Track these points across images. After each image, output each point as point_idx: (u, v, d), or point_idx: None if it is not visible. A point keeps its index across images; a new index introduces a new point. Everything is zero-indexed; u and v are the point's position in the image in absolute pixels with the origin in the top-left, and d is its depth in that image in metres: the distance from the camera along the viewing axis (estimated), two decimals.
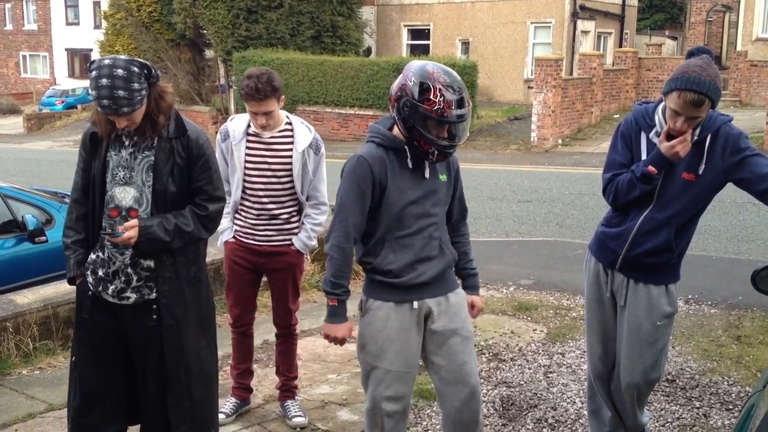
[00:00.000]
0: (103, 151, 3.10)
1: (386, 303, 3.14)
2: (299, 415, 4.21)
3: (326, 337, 3.17)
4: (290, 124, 4.03)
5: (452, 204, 3.29)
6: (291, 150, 3.96)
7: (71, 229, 3.21)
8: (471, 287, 3.36)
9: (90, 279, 3.16)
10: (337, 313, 3.10)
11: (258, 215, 4.01)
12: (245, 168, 3.97)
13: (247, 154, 3.97)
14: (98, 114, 3.01)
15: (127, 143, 3.08)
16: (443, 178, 3.19)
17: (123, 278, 3.10)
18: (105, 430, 3.23)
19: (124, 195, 3.07)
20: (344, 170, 3.14)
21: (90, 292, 3.16)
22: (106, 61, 2.91)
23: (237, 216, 4.10)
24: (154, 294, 3.12)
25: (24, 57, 43.96)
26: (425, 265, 3.13)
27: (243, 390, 4.35)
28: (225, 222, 4.07)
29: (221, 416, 4.17)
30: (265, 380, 4.78)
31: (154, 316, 3.12)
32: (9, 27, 43.84)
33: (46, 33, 42.30)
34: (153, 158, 3.07)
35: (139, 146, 3.08)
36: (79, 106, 32.86)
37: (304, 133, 4.02)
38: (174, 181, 3.09)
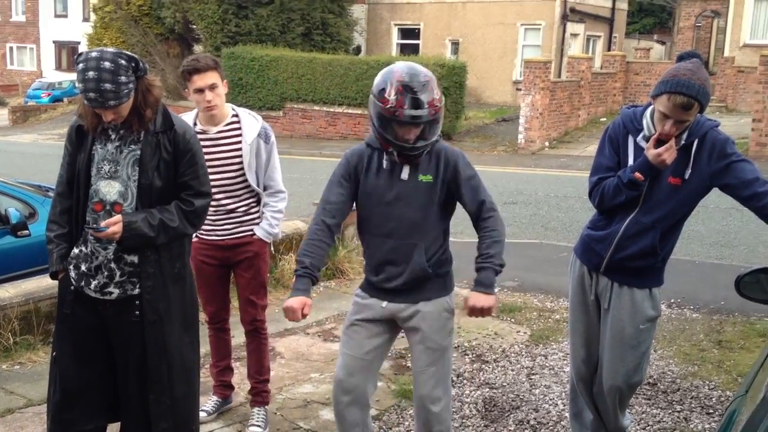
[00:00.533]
0: (88, 144, 3.07)
1: (363, 293, 3.26)
2: (257, 425, 4.08)
3: (285, 311, 3.08)
4: (236, 116, 3.98)
5: (464, 202, 3.17)
6: (240, 143, 3.92)
7: (55, 223, 3.17)
8: (476, 281, 3.16)
9: (72, 273, 3.13)
10: (295, 287, 3.08)
11: (216, 211, 3.96)
12: None
13: None
14: (84, 107, 2.99)
15: (113, 137, 3.05)
16: (425, 178, 3.09)
17: (106, 273, 3.07)
18: (85, 426, 3.20)
19: (108, 189, 3.05)
20: None
21: (72, 287, 3.13)
22: (93, 54, 2.88)
23: None
24: (137, 289, 3.09)
25: (11, 48, 43.61)
26: (392, 270, 3.14)
27: (224, 388, 4.32)
28: None
29: (202, 414, 4.14)
30: (245, 378, 4.75)
31: (137, 312, 3.10)
32: None
33: (34, 25, 41.98)
34: (139, 152, 3.04)
35: (126, 140, 3.05)
36: (65, 99, 32.62)
37: (251, 123, 3.98)
38: (160, 175, 3.07)
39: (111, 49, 2.94)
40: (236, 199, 3.99)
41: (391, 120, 2.94)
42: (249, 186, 3.98)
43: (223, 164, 3.91)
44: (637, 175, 3.23)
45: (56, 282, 3.23)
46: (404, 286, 3.14)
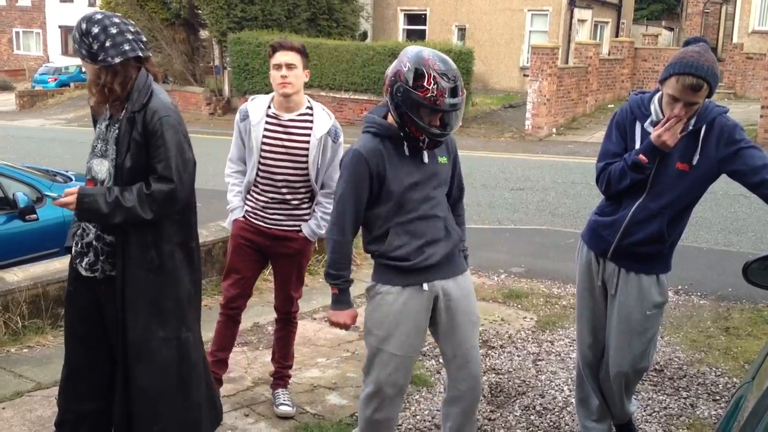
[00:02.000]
0: (99, 123, 3.14)
1: (394, 287, 3.15)
2: (287, 404, 4.18)
3: (331, 323, 3.25)
4: (311, 108, 3.99)
5: (451, 186, 3.29)
6: (309, 135, 3.91)
7: None
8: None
9: (73, 251, 3.18)
10: (340, 300, 3.20)
11: (269, 198, 3.97)
12: (262, 149, 3.92)
13: (264, 136, 3.92)
14: (93, 83, 3.00)
15: (106, 116, 3.08)
16: (443, 160, 3.20)
17: (92, 252, 3.09)
18: (89, 404, 3.20)
19: (100, 167, 3.05)
20: (342, 163, 3.17)
21: (74, 265, 3.18)
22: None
23: (249, 197, 4.05)
24: (114, 271, 3.06)
25: (17, 33, 43.60)
26: (432, 248, 3.14)
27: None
28: (236, 201, 4.05)
29: None
30: (254, 363, 4.78)
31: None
32: (2, 3, 43.44)
33: (40, 9, 41.94)
34: (117, 131, 3.02)
35: (113, 119, 3.05)
36: (71, 84, 32.62)
37: (323, 119, 3.98)
38: (131, 156, 2.97)
39: (107, 13, 3.07)
40: (293, 191, 3.98)
41: (429, 108, 2.94)
42: (308, 180, 3.97)
43: (288, 153, 3.91)
44: (641, 157, 3.22)
45: (64, 266, 3.27)
46: (444, 259, 3.17)
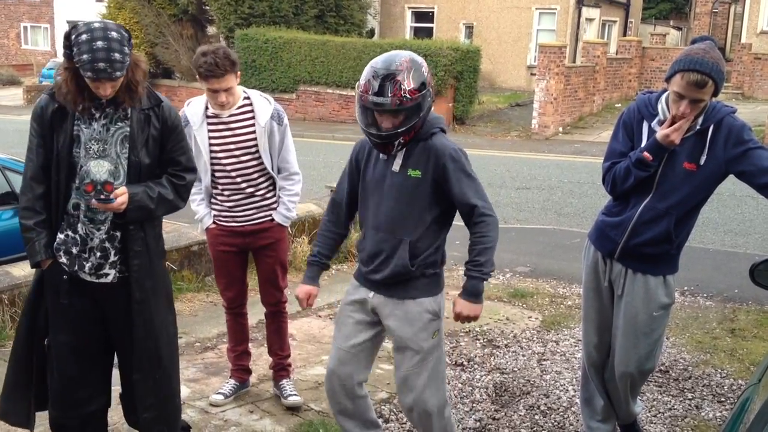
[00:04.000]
0: (69, 125, 2.97)
1: (356, 282, 3.27)
2: (294, 394, 4.20)
3: (297, 296, 3.32)
4: (248, 98, 3.94)
5: (455, 203, 3.06)
6: (253, 125, 3.90)
7: (30, 210, 3.03)
8: (464, 289, 3.08)
9: (63, 260, 3.06)
10: (305, 275, 3.31)
11: (233, 196, 3.97)
12: (211, 151, 3.90)
13: (210, 137, 3.89)
14: (70, 83, 2.90)
15: (98, 115, 2.99)
16: (414, 173, 3.00)
17: (99, 254, 3.05)
18: (88, 408, 3.22)
19: (99, 169, 2.99)
20: None
21: (66, 276, 3.06)
22: (97, 24, 2.84)
23: (213, 200, 4.04)
24: (127, 269, 3.08)
25: (25, 28, 43.66)
26: (378, 262, 3.11)
27: (242, 372, 4.34)
28: (201, 209, 4.03)
29: (219, 397, 4.18)
30: (258, 360, 4.78)
31: (129, 292, 3.08)
32: None
33: (48, 4, 41.98)
34: (128, 129, 3.01)
35: (112, 118, 3.00)
36: None
37: (263, 106, 3.94)
38: (148, 152, 3.05)
39: (110, 21, 2.95)
40: (253, 183, 3.98)
41: (361, 105, 2.94)
42: (264, 169, 3.97)
43: (237, 148, 3.90)
44: (646, 154, 3.21)
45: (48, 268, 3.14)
46: (388, 280, 3.09)
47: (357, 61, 21.12)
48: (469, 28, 27.11)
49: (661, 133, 3.17)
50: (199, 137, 3.88)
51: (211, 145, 3.90)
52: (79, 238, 3.04)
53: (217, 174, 3.95)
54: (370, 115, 2.93)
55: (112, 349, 3.24)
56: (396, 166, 3.03)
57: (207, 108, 3.91)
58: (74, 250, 3.05)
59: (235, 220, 4.02)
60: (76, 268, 3.06)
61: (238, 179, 3.94)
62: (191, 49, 26.02)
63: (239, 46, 22.69)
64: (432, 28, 27.63)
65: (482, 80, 22.42)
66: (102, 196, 2.92)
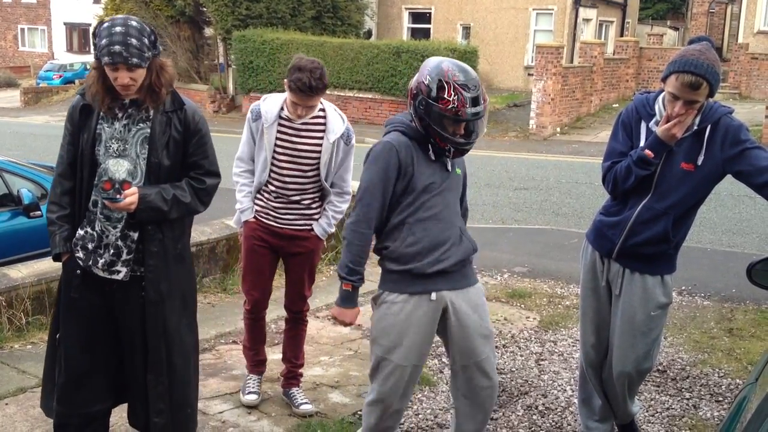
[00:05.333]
0: (93, 123, 3.06)
1: (401, 296, 3.12)
2: (306, 403, 4.17)
3: (336, 319, 3.24)
4: (323, 110, 3.94)
5: (460, 203, 3.32)
6: (322, 138, 3.89)
7: (56, 204, 3.15)
8: None
9: (80, 254, 3.11)
10: (350, 299, 3.16)
11: (280, 199, 3.97)
12: (275, 152, 3.90)
13: (278, 138, 3.89)
14: (97, 83, 2.98)
15: (120, 115, 3.05)
16: (458, 171, 3.24)
17: (112, 251, 3.07)
18: (92, 408, 3.22)
19: (117, 168, 3.04)
20: (369, 156, 3.13)
21: (79, 271, 3.12)
22: (121, 16, 2.95)
23: (258, 197, 4.04)
24: (142, 269, 3.10)
25: (22, 30, 43.64)
26: (444, 250, 3.10)
27: (261, 364, 4.34)
28: (246, 201, 4.04)
29: (253, 397, 4.19)
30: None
31: (142, 293, 3.10)
32: None
33: (45, 6, 41.97)
34: (149, 131, 3.04)
35: (134, 118, 3.05)
36: (76, 81, 32.65)
37: (337, 122, 3.94)
38: (169, 154, 3.08)
39: (134, 17, 3.00)
40: (303, 192, 3.98)
41: (452, 119, 2.97)
42: (319, 181, 3.97)
43: (300, 155, 3.90)
44: (648, 152, 3.21)
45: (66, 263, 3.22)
46: (455, 266, 3.13)
47: (354, 62, 21.14)
48: (467, 29, 27.12)
49: (662, 128, 3.18)
50: (267, 135, 3.89)
51: (276, 146, 3.90)
52: (95, 235, 3.09)
53: (273, 174, 3.95)
54: (461, 125, 3.02)
55: (121, 352, 3.22)
56: (448, 165, 3.16)
57: (282, 109, 3.90)
58: (90, 246, 3.09)
59: (276, 220, 4.01)
60: (90, 263, 3.10)
61: (291, 185, 3.94)
62: (188, 50, 26.10)
63: (236, 48, 22.72)
64: (429, 29, 27.63)
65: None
66: (109, 195, 2.98)
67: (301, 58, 3.80)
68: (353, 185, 3.91)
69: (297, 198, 3.98)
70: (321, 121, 3.92)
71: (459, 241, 3.16)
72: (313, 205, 4.04)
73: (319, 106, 3.93)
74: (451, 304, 3.15)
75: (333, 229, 4.14)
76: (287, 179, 3.93)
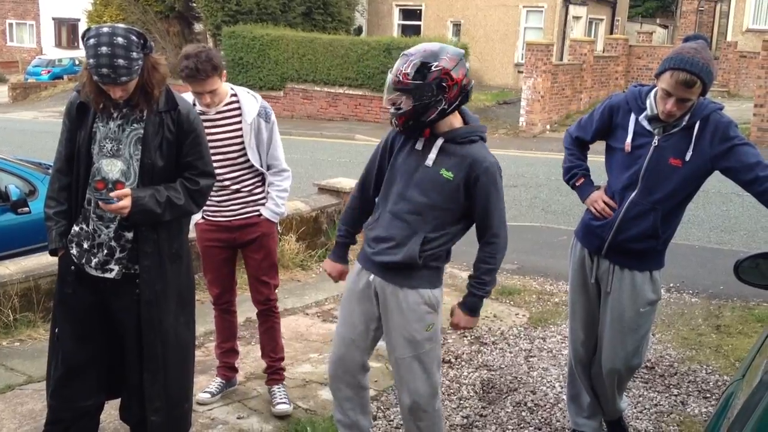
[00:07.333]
0: (89, 121, 3.05)
1: (357, 264, 3.27)
2: (284, 402, 4.14)
3: (325, 270, 3.47)
4: (235, 95, 3.93)
5: (474, 214, 3.14)
6: (240, 122, 3.89)
7: (53, 200, 3.16)
8: (464, 302, 3.18)
9: (74, 251, 3.12)
10: (335, 252, 3.42)
11: (221, 192, 3.95)
12: None
13: None
14: (90, 82, 2.96)
15: (115, 115, 3.03)
16: (446, 174, 3.01)
17: (106, 251, 3.07)
18: (84, 402, 3.22)
19: (111, 167, 3.03)
20: None
21: (73, 267, 3.13)
22: (105, 30, 2.86)
23: None
24: (136, 268, 3.10)
25: (10, 25, 43.35)
26: (386, 246, 3.10)
27: (227, 370, 4.33)
28: None
29: (205, 396, 4.17)
30: (246, 357, 4.78)
31: (136, 291, 3.10)
32: None
33: (34, 1, 41.67)
34: (142, 131, 3.03)
35: (128, 119, 3.03)
36: (65, 77, 32.46)
37: (250, 102, 3.93)
38: (162, 155, 3.06)
39: (121, 25, 2.93)
40: (240, 179, 3.97)
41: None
42: (252, 165, 3.96)
43: (224, 144, 3.89)
44: (576, 185, 3.63)
45: (56, 259, 3.22)
46: (391, 266, 3.09)
47: (344, 58, 21.10)
48: (457, 26, 27.11)
49: (596, 204, 3.45)
50: None
51: None
52: (90, 233, 3.09)
53: None
54: (391, 95, 3.01)
55: (115, 348, 3.22)
56: (429, 161, 3.04)
57: (194, 105, 3.89)
58: (85, 245, 3.09)
59: (222, 214, 4.01)
60: (84, 261, 3.10)
61: (226, 175, 3.93)
62: (178, 46, 25.95)
63: (226, 44, 22.62)
64: (420, 25, 27.61)
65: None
66: (103, 196, 2.98)
67: (186, 48, 3.80)
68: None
69: (236, 187, 3.97)
70: (235, 106, 3.91)
71: (401, 242, 3.06)
72: (256, 191, 4.03)
73: (230, 92, 3.92)
74: (381, 293, 3.17)
75: (282, 209, 4.10)
76: (220, 170, 3.87)
